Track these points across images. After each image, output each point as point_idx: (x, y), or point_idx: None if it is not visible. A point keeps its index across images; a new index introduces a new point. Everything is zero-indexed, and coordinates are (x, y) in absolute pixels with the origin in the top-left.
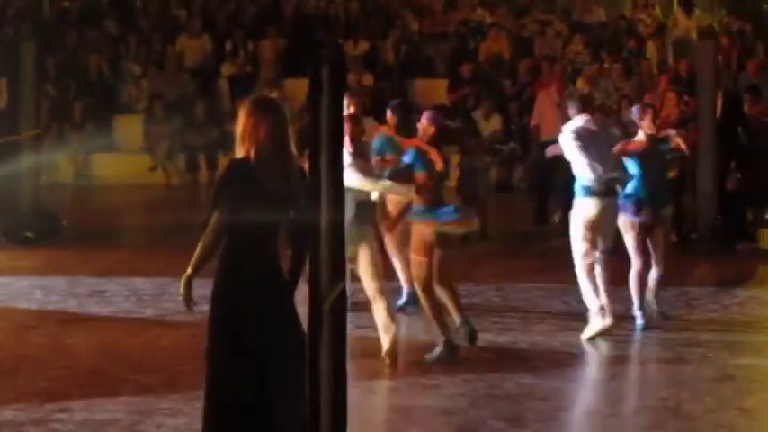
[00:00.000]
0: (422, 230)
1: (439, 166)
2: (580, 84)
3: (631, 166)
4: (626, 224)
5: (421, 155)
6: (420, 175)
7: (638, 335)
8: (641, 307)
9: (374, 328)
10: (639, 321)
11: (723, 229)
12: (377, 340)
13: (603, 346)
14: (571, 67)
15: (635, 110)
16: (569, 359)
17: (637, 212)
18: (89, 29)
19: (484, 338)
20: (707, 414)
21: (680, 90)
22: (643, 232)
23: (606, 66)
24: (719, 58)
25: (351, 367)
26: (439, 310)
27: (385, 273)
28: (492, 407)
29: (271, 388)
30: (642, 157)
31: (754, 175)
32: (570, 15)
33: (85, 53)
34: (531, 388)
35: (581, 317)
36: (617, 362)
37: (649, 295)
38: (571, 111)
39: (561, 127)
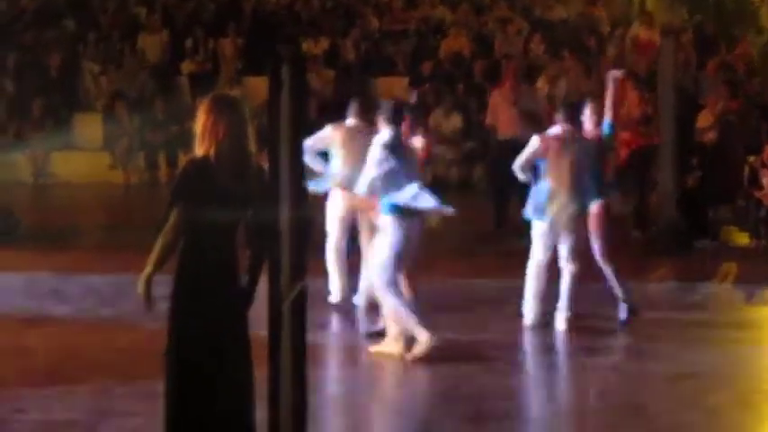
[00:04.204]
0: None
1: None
2: (541, 82)
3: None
4: None
5: None
6: None
7: (599, 334)
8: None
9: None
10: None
11: (683, 227)
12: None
13: (563, 345)
14: (529, 64)
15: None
16: (529, 358)
17: None
18: (47, 27)
19: (443, 337)
20: (668, 413)
21: (641, 88)
22: None
23: (567, 64)
24: (681, 55)
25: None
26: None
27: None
28: (453, 406)
29: (220, 389)
30: None
31: (715, 173)
32: (532, 13)
33: (45, 51)
34: (493, 387)
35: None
36: (578, 361)
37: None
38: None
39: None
